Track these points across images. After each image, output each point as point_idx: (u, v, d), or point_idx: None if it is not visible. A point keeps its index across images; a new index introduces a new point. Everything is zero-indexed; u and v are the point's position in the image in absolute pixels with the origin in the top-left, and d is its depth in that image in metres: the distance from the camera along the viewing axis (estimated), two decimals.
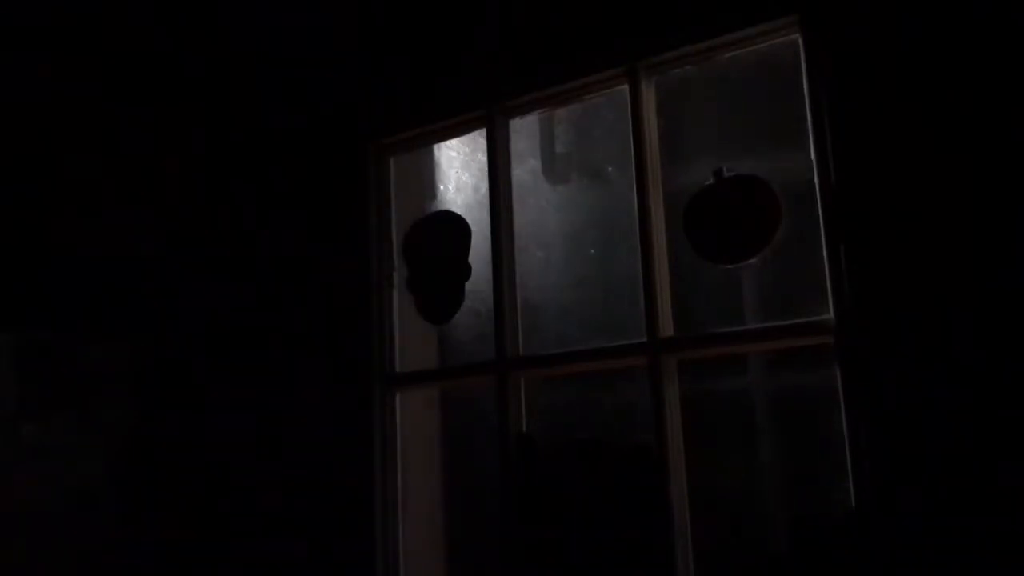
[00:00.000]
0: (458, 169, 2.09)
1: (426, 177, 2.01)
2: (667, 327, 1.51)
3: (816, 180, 1.38)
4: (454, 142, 2.05)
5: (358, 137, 1.84)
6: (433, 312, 1.80)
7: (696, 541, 1.43)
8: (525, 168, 2.12)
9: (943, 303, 1.26)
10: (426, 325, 1.85)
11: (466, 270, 1.76)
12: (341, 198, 1.85)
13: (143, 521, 1.87)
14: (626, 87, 1.57)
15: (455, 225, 1.81)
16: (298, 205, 1.90)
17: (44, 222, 1.94)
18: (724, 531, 1.63)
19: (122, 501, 1.88)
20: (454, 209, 1.93)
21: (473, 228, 1.86)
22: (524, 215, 2.12)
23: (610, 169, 2.08)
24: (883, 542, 1.27)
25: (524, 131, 2.03)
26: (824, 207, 1.37)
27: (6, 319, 1.87)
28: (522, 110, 1.76)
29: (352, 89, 1.87)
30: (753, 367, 1.96)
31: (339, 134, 1.87)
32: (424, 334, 1.89)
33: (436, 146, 2.02)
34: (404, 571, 1.75)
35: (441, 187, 2.03)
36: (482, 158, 1.81)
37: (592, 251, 2.18)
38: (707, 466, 1.58)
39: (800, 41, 1.43)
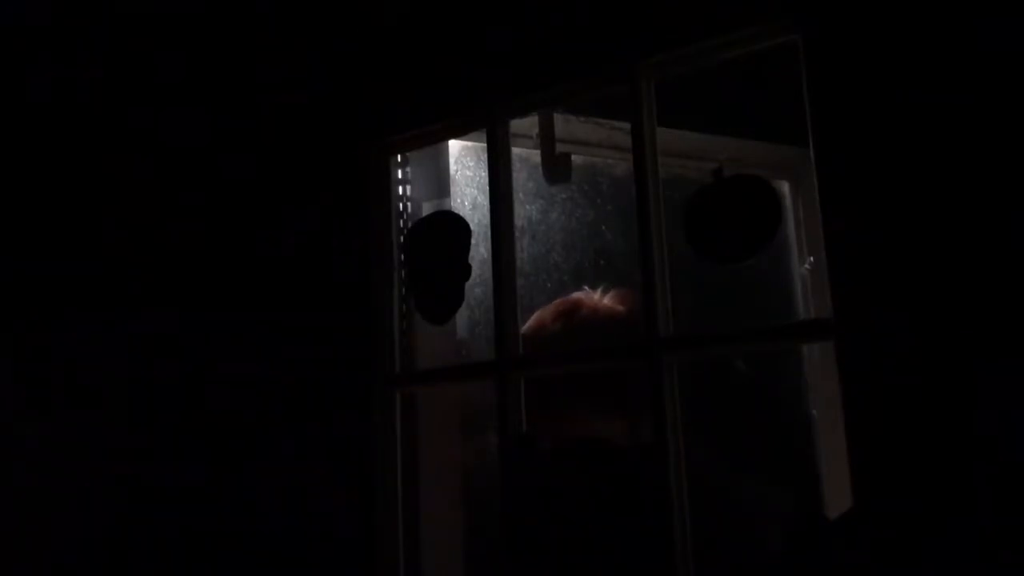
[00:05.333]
0: (463, 169, 2.10)
1: (429, 177, 2.01)
2: (667, 327, 1.50)
3: (816, 179, 1.38)
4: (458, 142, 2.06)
5: (357, 137, 1.84)
6: (431, 312, 1.79)
7: (696, 541, 1.43)
8: (524, 167, 2.14)
9: (945, 303, 1.26)
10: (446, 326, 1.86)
11: (466, 270, 1.75)
12: (341, 198, 1.85)
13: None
14: (626, 88, 1.57)
15: (455, 225, 1.80)
16: (297, 205, 1.90)
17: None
18: (724, 531, 1.63)
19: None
20: (460, 209, 1.94)
21: (477, 229, 1.87)
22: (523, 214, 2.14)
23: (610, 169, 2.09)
24: (880, 543, 1.26)
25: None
26: (824, 206, 1.37)
27: None
28: (522, 110, 1.77)
29: (351, 89, 1.87)
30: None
31: (338, 134, 1.87)
32: (446, 335, 1.92)
33: (440, 145, 2.02)
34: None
35: (447, 187, 2.03)
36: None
37: (591, 251, 2.18)
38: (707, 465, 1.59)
39: (800, 41, 1.42)
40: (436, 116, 1.79)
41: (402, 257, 1.83)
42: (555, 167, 2.08)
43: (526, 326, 1.87)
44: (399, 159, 1.93)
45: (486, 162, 1.73)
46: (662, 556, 1.42)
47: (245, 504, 1.83)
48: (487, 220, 1.73)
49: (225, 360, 1.89)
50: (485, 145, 1.74)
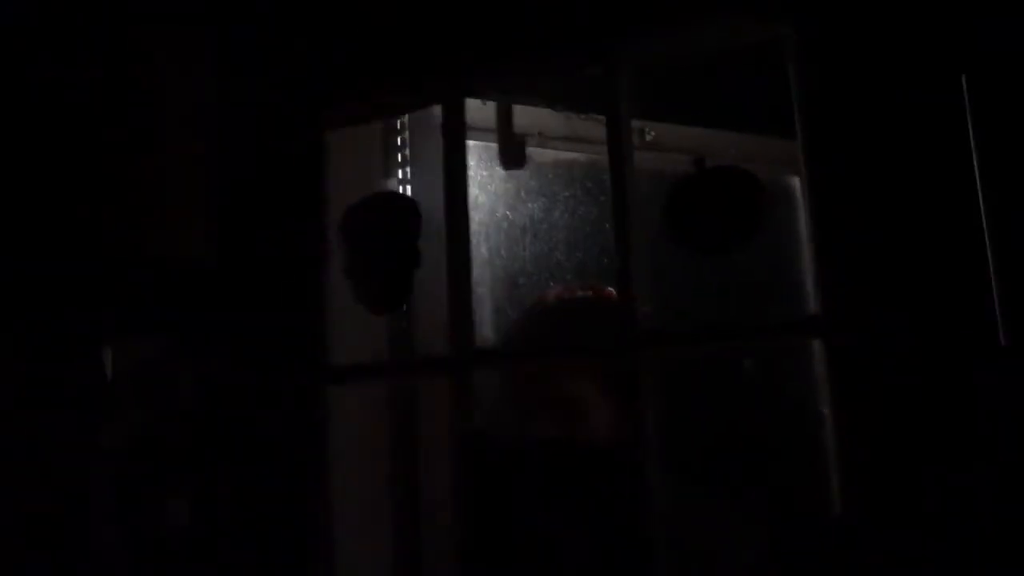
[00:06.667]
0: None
1: (379, 154, 1.93)
2: (646, 322, 1.44)
3: (804, 174, 1.35)
4: None
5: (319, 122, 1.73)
6: (372, 299, 1.65)
7: (676, 551, 1.37)
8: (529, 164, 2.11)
9: (940, 300, 1.24)
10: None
11: (414, 256, 1.60)
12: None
13: None
14: (601, 72, 1.50)
15: (402, 207, 1.66)
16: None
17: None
18: (707, 539, 1.59)
19: None
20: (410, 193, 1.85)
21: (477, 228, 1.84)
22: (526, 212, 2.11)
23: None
24: (880, 543, 1.24)
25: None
26: (812, 202, 1.34)
27: None
28: (486, 95, 1.71)
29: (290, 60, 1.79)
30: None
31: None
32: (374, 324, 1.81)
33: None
34: None
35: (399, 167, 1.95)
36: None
37: (595, 248, 2.17)
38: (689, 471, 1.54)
39: (793, 34, 1.38)
40: (384, 92, 1.67)
41: (339, 240, 1.65)
42: (509, 149, 1.97)
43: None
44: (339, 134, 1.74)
45: (484, 161, 1.69)
46: (637, 566, 1.35)
47: (214, 503, 1.79)
48: (487, 219, 1.70)
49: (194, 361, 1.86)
50: (485, 144, 1.70)
